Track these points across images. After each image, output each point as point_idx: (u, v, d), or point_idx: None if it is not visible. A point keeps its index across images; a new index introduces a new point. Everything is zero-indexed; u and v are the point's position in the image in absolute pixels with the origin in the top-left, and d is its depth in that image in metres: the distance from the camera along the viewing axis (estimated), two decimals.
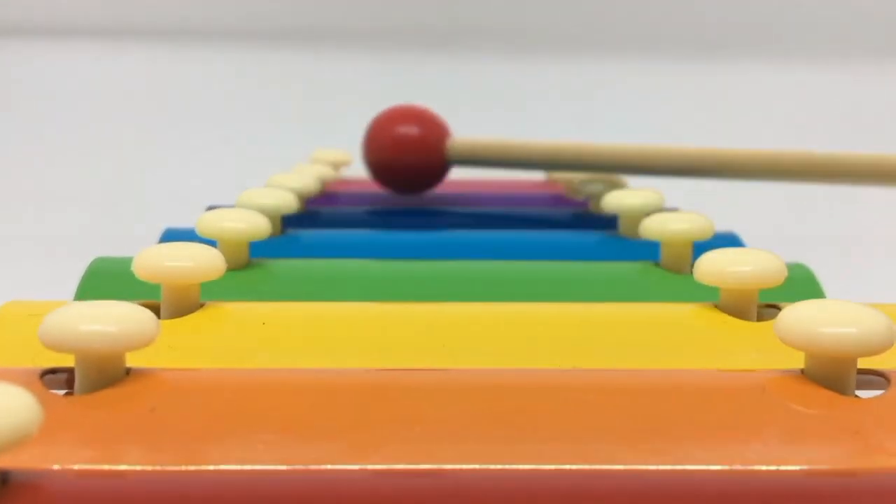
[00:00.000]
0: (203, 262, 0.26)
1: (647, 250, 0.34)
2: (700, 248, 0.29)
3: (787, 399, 0.19)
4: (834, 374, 0.20)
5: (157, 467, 0.17)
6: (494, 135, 0.45)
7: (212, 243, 0.28)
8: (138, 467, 0.17)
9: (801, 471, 0.17)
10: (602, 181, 0.45)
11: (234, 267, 0.30)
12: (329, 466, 0.17)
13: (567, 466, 0.17)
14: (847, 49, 0.92)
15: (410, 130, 0.44)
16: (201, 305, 0.26)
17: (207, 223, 0.31)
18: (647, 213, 0.35)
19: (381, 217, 0.44)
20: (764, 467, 0.17)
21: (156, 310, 0.25)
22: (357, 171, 0.55)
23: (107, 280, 0.30)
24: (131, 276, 0.26)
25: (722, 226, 0.35)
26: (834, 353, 0.20)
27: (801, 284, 0.31)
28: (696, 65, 0.93)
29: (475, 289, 0.31)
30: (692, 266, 0.27)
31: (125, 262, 0.26)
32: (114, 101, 0.90)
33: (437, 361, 0.24)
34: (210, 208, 0.37)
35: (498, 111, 0.88)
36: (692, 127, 0.88)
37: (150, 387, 0.19)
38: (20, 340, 0.23)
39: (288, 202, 0.36)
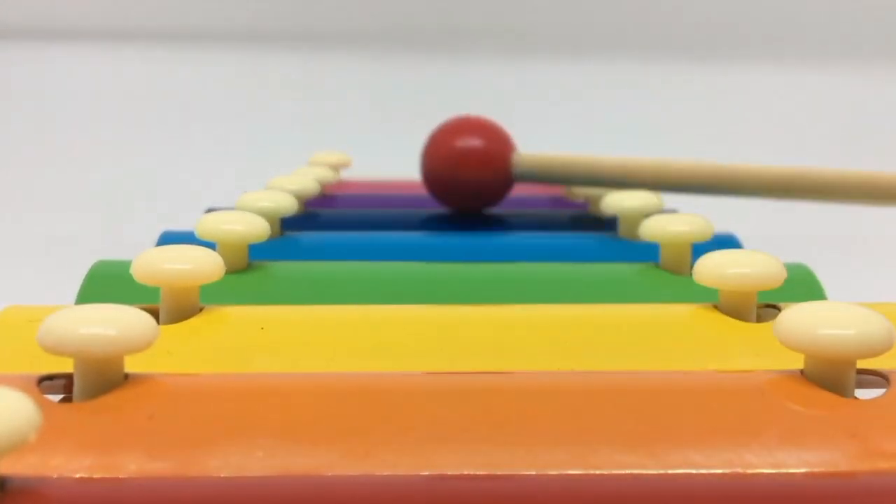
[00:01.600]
0: (202, 264, 0.25)
1: (647, 252, 0.34)
2: (699, 249, 0.29)
3: (786, 400, 0.19)
4: (833, 375, 0.20)
5: (156, 474, 0.17)
6: (560, 150, 0.42)
7: (211, 246, 0.28)
8: (137, 474, 0.17)
9: (800, 473, 0.17)
10: None
11: (234, 269, 0.30)
12: (328, 473, 0.17)
13: (566, 471, 0.17)
14: (847, 49, 0.92)
15: (473, 144, 0.41)
16: (201, 308, 0.26)
17: (207, 226, 0.31)
18: (647, 215, 0.35)
19: (380, 219, 0.44)
20: (763, 470, 0.17)
21: (156, 313, 0.25)
22: (356, 173, 0.55)
23: (108, 283, 0.30)
24: (133, 279, 0.26)
25: (721, 227, 0.35)
26: (833, 355, 0.20)
27: (802, 284, 0.31)
28: (697, 65, 0.93)
29: (474, 291, 0.31)
30: (692, 267, 0.27)
31: (126, 265, 0.26)
32: (113, 103, 0.90)
33: (435, 364, 0.24)
34: (209, 210, 0.37)
35: (498, 112, 0.88)
36: (692, 127, 0.88)
37: (149, 392, 0.19)
38: (19, 346, 0.23)
39: (287, 204, 0.36)
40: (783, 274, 0.26)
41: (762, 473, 0.17)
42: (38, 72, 0.93)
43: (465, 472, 0.17)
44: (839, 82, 0.91)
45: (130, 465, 0.17)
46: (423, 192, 0.50)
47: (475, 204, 0.41)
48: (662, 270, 0.32)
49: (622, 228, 0.38)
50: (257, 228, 0.31)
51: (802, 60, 0.92)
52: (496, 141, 0.41)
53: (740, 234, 0.37)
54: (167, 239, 0.37)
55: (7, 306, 0.26)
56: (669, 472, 0.17)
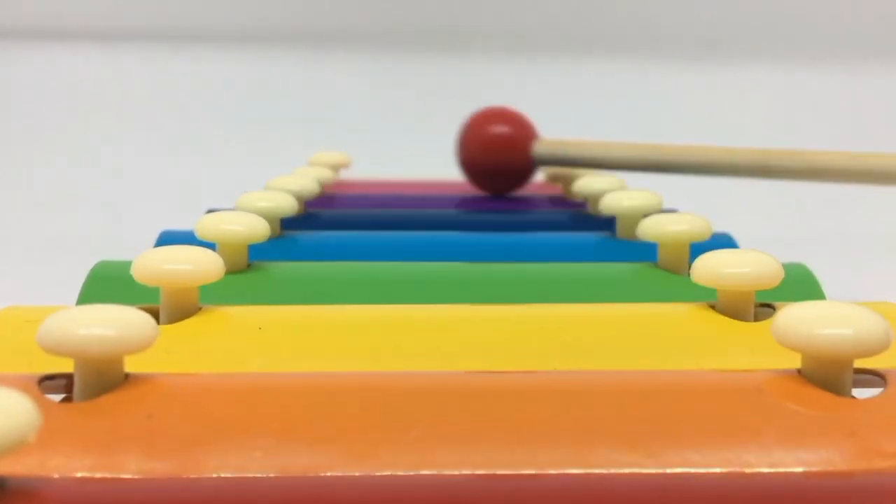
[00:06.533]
0: (202, 265, 0.26)
1: (645, 251, 0.34)
2: (697, 249, 0.29)
3: (783, 400, 0.19)
4: (831, 374, 0.20)
5: (156, 474, 0.17)
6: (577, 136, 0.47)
7: (211, 246, 0.28)
8: (137, 475, 0.17)
9: (798, 472, 0.17)
10: None
11: (234, 270, 0.30)
12: (328, 473, 0.17)
13: (565, 470, 0.17)
14: (847, 49, 0.92)
15: (498, 131, 0.47)
16: (200, 309, 0.26)
17: (207, 226, 0.31)
18: (645, 215, 0.35)
19: (380, 219, 0.44)
20: (761, 469, 0.17)
21: (156, 313, 0.25)
22: (356, 173, 0.55)
23: (110, 283, 0.30)
24: (134, 279, 0.26)
25: (719, 227, 0.35)
26: (830, 355, 0.20)
27: (801, 284, 0.31)
28: (696, 65, 0.93)
29: (474, 290, 0.31)
30: (690, 267, 0.27)
31: (128, 266, 0.26)
32: (113, 103, 0.90)
33: (434, 364, 0.24)
34: (209, 211, 0.37)
35: None
36: (692, 127, 0.88)
37: (149, 392, 0.19)
38: (19, 347, 0.23)
39: (287, 204, 0.36)
40: (781, 273, 0.26)
41: (760, 473, 0.17)
42: (38, 72, 0.93)
43: (465, 472, 0.17)
44: (839, 82, 0.91)
45: (130, 465, 0.17)
46: (422, 191, 0.50)
47: (504, 185, 0.48)
48: (660, 270, 0.32)
49: (620, 228, 0.38)
50: (257, 229, 0.31)
51: (802, 60, 0.92)
52: (520, 128, 0.47)
53: (739, 234, 0.37)
54: (167, 239, 0.37)
55: (7, 306, 0.26)
56: (667, 471, 0.17)
